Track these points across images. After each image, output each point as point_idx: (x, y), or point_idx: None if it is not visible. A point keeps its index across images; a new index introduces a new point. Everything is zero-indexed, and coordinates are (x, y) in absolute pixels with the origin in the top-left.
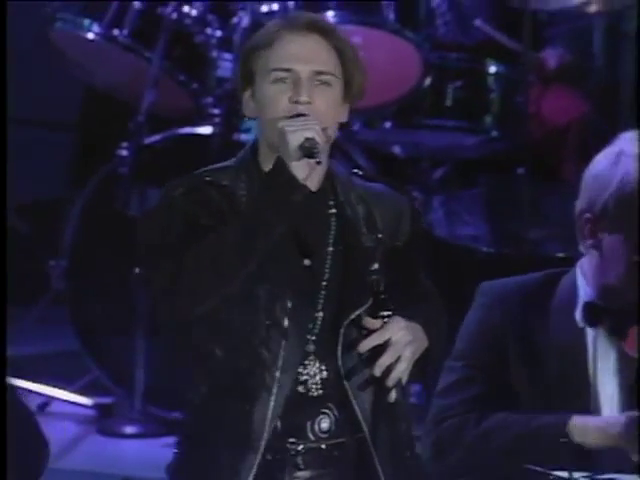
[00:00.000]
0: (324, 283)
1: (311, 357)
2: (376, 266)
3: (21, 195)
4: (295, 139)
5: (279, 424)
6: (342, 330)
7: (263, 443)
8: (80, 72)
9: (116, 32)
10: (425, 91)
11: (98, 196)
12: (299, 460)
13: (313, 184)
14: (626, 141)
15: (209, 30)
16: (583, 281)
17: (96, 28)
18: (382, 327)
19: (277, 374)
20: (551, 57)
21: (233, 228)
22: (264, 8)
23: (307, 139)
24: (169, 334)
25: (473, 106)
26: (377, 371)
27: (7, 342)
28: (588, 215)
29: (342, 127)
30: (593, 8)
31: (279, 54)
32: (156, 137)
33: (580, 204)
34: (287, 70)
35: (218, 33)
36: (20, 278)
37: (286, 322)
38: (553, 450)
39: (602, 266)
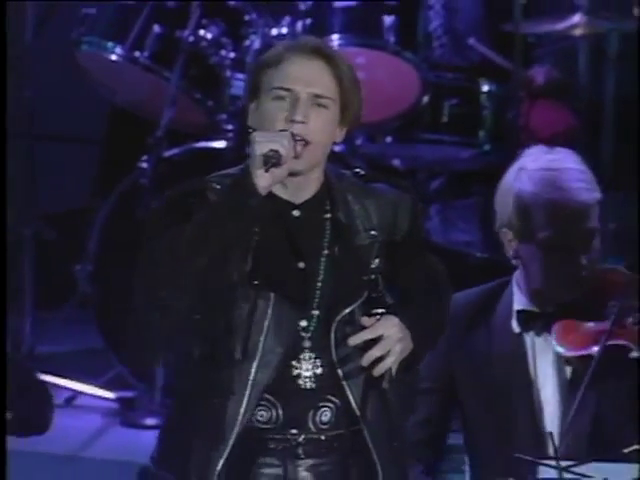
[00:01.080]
0: (319, 284)
1: (306, 353)
2: (376, 262)
3: (50, 204)
4: (260, 149)
5: (281, 415)
6: (334, 326)
7: (234, 436)
8: (104, 90)
9: (137, 54)
10: (423, 108)
11: (121, 205)
12: (300, 450)
13: (306, 193)
14: (527, 157)
15: (223, 52)
16: (517, 290)
17: (119, 50)
18: (375, 323)
19: (253, 371)
20: (539, 74)
21: (192, 223)
22: (274, 32)
23: (271, 150)
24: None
25: (467, 122)
26: (365, 361)
27: (35, 341)
28: (504, 230)
29: (346, 141)
30: (577, 31)
31: (282, 74)
32: (174, 150)
33: (497, 221)
34: (287, 90)
35: (232, 55)
36: (49, 282)
37: (267, 322)
38: None
39: (526, 274)
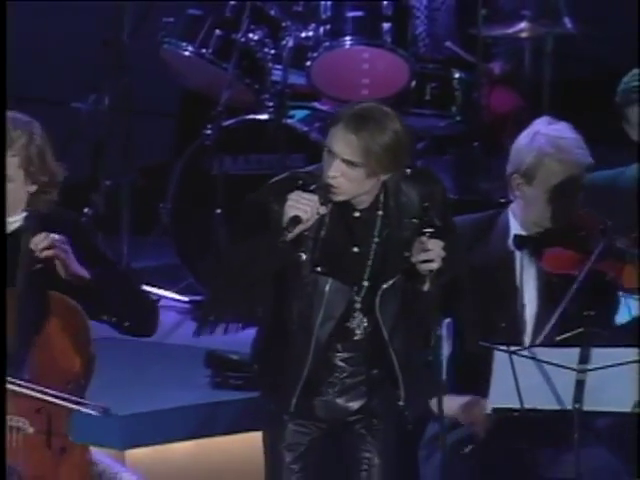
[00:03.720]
0: (369, 262)
1: (357, 312)
2: (426, 204)
3: (141, 159)
4: (288, 212)
5: (331, 334)
6: (380, 293)
7: (306, 372)
8: (180, 78)
9: (204, 51)
10: (411, 90)
11: (191, 160)
12: (339, 346)
13: (365, 202)
14: (540, 124)
15: (266, 49)
16: (513, 219)
17: (190, 48)
18: (426, 240)
19: (315, 329)
20: (496, 67)
21: (243, 244)
22: (303, 34)
23: (295, 216)
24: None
25: (444, 100)
26: (414, 259)
27: (130, 259)
28: (515, 176)
29: None
30: (524, 34)
31: (331, 137)
32: (231, 121)
33: (509, 169)
34: (330, 150)
35: (272, 51)
36: (140, 216)
37: (326, 295)
38: None
39: (525, 209)
